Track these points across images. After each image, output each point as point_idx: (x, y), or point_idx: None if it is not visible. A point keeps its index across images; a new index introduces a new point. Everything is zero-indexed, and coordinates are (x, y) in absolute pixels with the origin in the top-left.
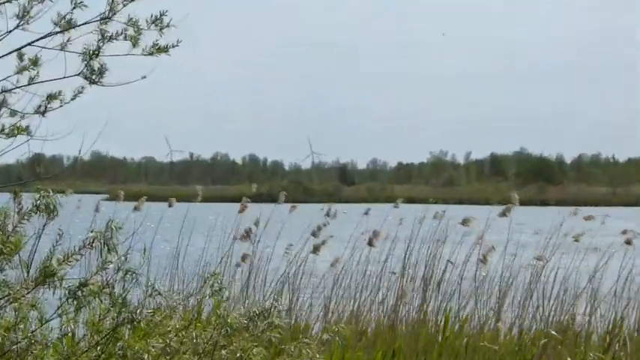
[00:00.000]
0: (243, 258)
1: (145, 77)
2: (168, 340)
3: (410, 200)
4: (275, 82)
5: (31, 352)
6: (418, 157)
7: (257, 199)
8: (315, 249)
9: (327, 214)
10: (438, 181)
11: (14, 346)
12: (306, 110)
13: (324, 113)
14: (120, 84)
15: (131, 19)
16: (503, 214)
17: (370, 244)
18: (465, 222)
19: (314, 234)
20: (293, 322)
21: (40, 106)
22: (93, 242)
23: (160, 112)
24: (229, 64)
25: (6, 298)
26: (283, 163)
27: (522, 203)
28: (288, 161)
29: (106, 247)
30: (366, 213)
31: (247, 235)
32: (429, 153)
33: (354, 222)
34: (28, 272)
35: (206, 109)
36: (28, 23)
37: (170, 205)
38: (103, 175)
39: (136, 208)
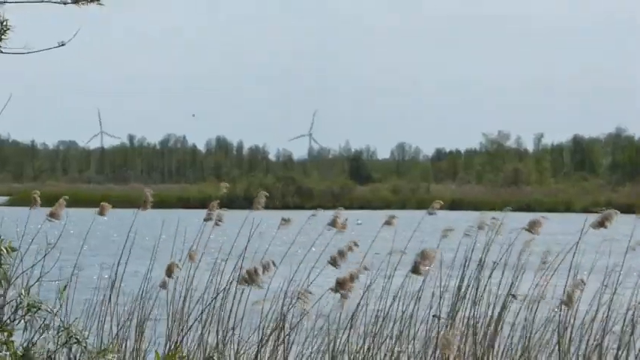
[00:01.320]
0: (169, 271)
1: (63, 44)
2: None
3: (455, 205)
4: (255, 37)
5: None
6: (466, 142)
7: (229, 203)
8: (340, 286)
9: (333, 225)
10: (496, 178)
11: None
12: (299, 76)
13: (327, 80)
14: (29, 51)
15: None
16: (600, 224)
17: (334, 263)
18: (532, 227)
19: (334, 262)
20: None
21: None
22: None
23: (85, 79)
24: (191, 10)
25: None
26: (267, 151)
27: (618, 208)
28: (274, 148)
29: None
30: (388, 223)
31: (191, 257)
32: (483, 136)
33: (374, 237)
34: None
35: (154, 74)
36: None
37: (101, 214)
38: (2, 168)
39: (52, 216)
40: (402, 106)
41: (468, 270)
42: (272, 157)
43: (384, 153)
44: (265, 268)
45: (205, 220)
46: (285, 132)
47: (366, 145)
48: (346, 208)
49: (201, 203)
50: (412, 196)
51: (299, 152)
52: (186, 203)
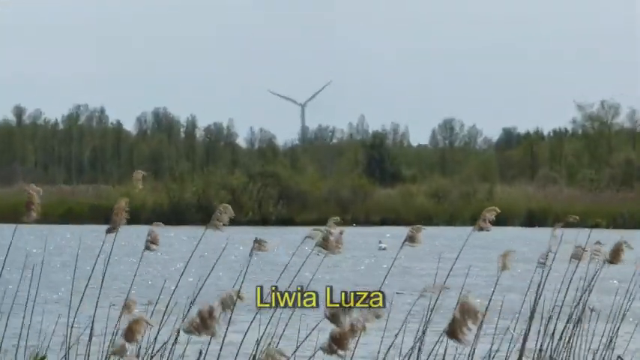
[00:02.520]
0: (131, 333)
1: None
2: None
3: (533, 218)
4: None
5: None
6: (551, 119)
7: (173, 215)
8: (337, 344)
9: (322, 246)
10: (598, 176)
11: None
12: (285, 22)
13: (330, 28)
14: None
15: None
16: None
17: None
18: (614, 256)
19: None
20: None
21: None
22: None
23: None
24: None
25: None
26: (234, 133)
27: None
28: (245, 128)
29: None
30: (412, 239)
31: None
32: (577, 108)
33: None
34: None
35: (53, 16)
36: None
37: None
38: None
39: None
40: (448, 64)
41: (550, 323)
42: (242, 141)
43: (420, 136)
44: (226, 305)
45: (107, 231)
46: (264, 104)
47: (391, 124)
48: (359, 223)
49: (129, 214)
50: (465, 204)
51: (285, 134)
52: (105, 214)
